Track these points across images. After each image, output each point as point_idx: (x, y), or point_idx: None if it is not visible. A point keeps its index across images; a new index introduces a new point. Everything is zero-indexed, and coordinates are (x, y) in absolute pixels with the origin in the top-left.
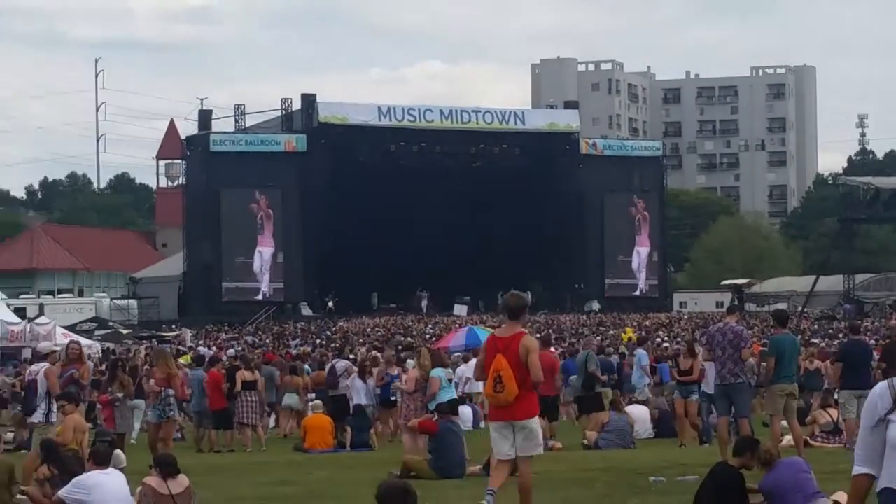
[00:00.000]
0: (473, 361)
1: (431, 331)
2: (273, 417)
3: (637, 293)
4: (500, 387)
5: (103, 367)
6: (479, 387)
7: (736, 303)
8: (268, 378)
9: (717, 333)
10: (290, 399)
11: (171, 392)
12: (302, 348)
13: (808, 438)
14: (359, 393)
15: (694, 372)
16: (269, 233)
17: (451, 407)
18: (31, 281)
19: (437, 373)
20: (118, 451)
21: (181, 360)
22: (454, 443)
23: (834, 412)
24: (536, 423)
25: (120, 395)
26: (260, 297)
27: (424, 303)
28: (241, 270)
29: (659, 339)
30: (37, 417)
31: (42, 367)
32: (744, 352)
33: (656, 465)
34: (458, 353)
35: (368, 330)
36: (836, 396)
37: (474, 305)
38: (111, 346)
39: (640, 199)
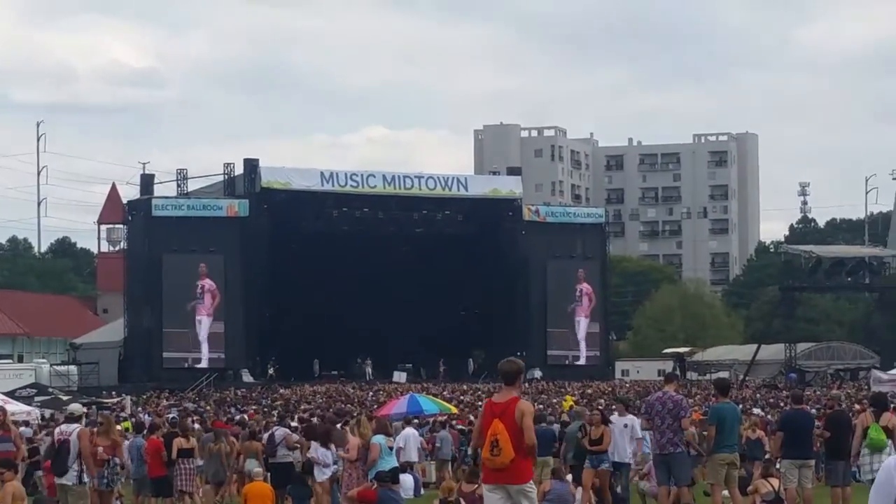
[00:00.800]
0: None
1: (373, 398)
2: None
3: (579, 362)
4: (497, 450)
5: (42, 434)
6: (414, 455)
7: (676, 371)
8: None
9: (656, 402)
10: (251, 464)
11: (117, 461)
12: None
13: None
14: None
15: (604, 441)
16: (209, 300)
17: (392, 475)
18: None
19: (378, 439)
20: None
21: (121, 427)
22: None
23: (775, 482)
24: (533, 487)
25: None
26: (201, 364)
27: (369, 370)
28: (182, 337)
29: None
30: (69, 479)
31: (74, 428)
32: (683, 421)
33: None
34: (399, 422)
35: (309, 397)
36: (777, 466)
37: (416, 373)
38: (51, 412)
39: (581, 267)
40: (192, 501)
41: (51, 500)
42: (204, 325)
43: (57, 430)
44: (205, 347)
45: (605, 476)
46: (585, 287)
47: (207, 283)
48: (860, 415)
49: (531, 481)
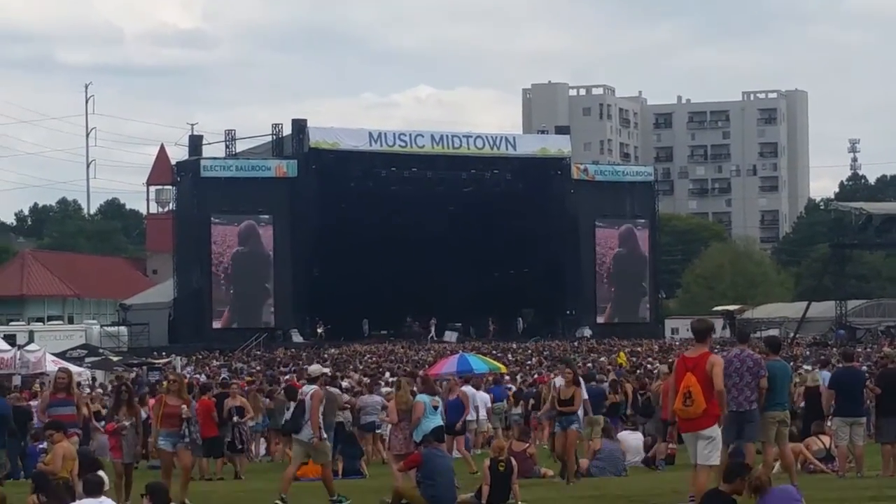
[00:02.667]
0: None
1: (423, 357)
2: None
3: (628, 320)
4: (690, 401)
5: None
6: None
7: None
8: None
9: (734, 359)
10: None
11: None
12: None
13: (801, 466)
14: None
15: (575, 402)
16: (259, 258)
17: (436, 435)
18: (20, 307)
19: (422, 398)
20: (101, 473)
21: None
22: (443, 469)
23: (827, 439)
24: (717, 433)
25: (127, 422)
26: (250, 323)
27: (433, 329)
28: (231, 296)
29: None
30: (304, 436)
31: (311, 388)
32: (762, 380)
33: (648, 493)
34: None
35: (359, 356)
36: (828, 423)
37: (465, 332)
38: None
39: (631, 225)
40: (241, 461)
41: (88, 452)
42: (255, 282)
43: (301, 391)
44: (253, 307)
45: (572, 437)
46: (635, 246)
47: (256, 242)
48: None
49: (716, 427)
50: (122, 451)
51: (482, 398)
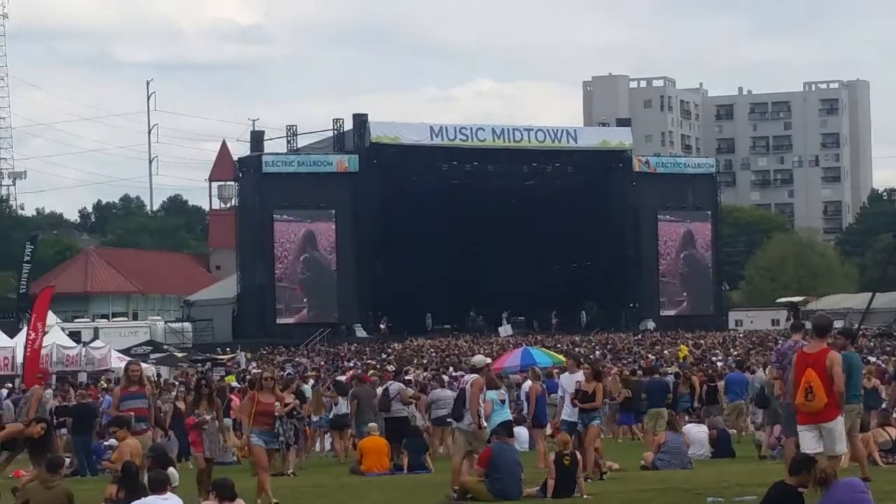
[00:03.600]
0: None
1: (486, 351)
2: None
3: (692, 312)
4: (811, 396)
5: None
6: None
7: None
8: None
9: (788, 351)
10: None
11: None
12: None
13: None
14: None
15: (597, 397)
16: (322, 254)
17: (506, 429)
18: (85, 304)
19: (490, 395)
20: (172, 470)
21: (228, 380)
22: (510, 463)
23: (893, 430)
24: (841, 424)
25: (208, 417)
26: (314, 318)
27: (509, 326)
28: (295, 292)
29: (714, 358)
30: (464, 425)
31: (473, 377)
32: None
33: (714, 486)
34: (514, 374)
35: (422, 350)
36: (894, 415)
37: (528, 325)
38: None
39: (693, 217)
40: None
41: (159, 447)
42: (318, 278)
43: (463, 379)
44: (317, 303)
45: (593, 433)
46: (698, 238)
47: (318, 238)
48: None
49: (839, 418)
50: (204, 446)
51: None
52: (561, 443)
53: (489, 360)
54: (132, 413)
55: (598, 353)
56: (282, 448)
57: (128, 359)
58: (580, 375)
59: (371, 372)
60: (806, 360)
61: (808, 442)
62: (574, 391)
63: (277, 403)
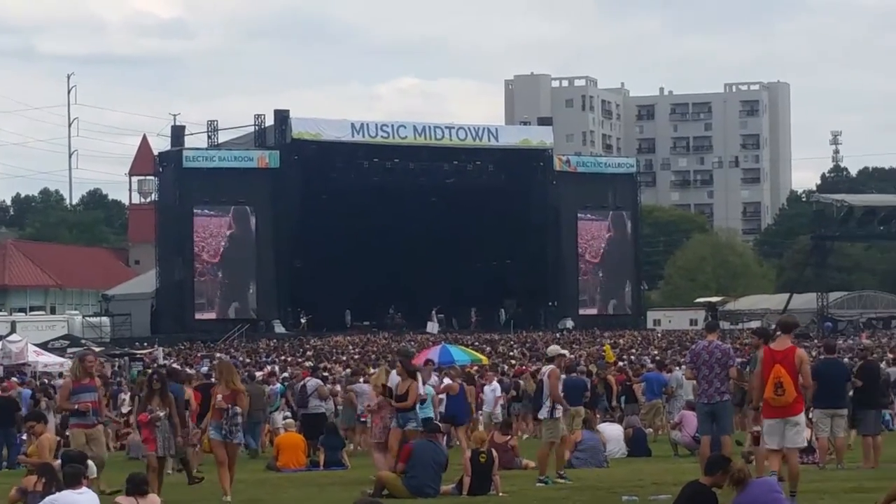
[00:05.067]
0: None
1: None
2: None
3: (610, 311)
4: (781, 390)
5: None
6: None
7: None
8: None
9: (702, 352)
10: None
11: (238, 410)
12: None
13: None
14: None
15: (410, 397)
16: (241, 250)
17: (430, 426)
18: (2, 298)
19: (429, 390)
20: (89, 462)
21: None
22: (427, 461)
23: (808, 430)
24: (803, 419)
25: (162, 413)
26: (232, 314)
27: (435, 322)
28: (213, 287)
29: (633, 358)
30: (542, 414)
31: (549, 368)
32: (731, 370)
33: (629, 484)
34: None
35: (342, 347)
36: (810, 415)
37: (448, 323)
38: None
39: (613, 217)
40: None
41: (76, 455)
42: (237, 274)
43: (541, 370)
44: (235, 298)
45: (397, 435)
46: (616, 238)
47: (238, 234)
48: None
49: (802, 413)
50: (157, 444)
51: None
52: (476, 440)
53: (564, 351)
54: (89, 405)
55: (516, 351)
56: (230, 439)
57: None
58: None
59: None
60: (774, 356)
61: (772, 437)
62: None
63: (219, 396)
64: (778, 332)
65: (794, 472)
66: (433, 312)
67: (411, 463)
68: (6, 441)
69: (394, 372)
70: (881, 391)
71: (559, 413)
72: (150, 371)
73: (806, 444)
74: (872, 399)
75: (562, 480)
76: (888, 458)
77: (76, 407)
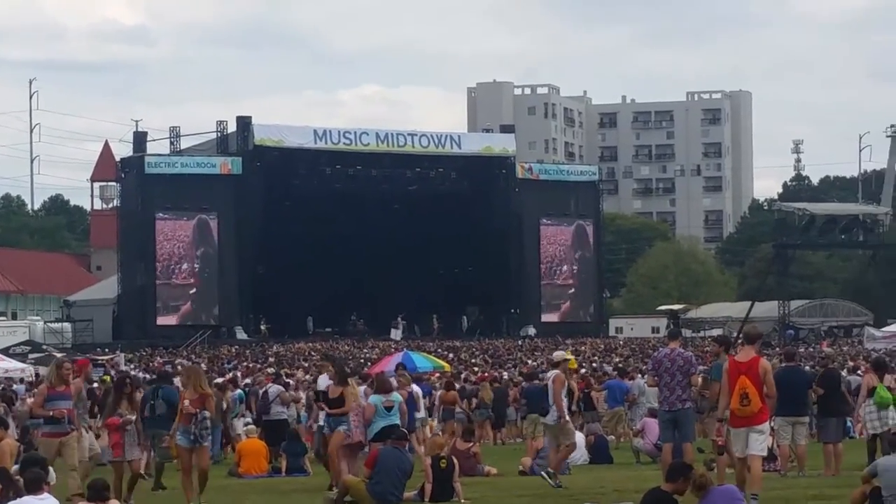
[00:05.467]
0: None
1: (367, 355)
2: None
3: (572, 319)
4: (747, 401)
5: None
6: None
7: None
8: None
9: (664, 359)
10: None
11: (206, 414)
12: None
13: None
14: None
15: (346, 401)
16: (204, 256)
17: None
18: None
19: (374, 399)
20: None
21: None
22: (391, 467)
23: (770, 438)
24: (767, 427)
25: (132, 417)
26: (194, 320)
27: (400, 329)
28: (175, 294)
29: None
30: (551, 419)
31: (552, 373)
32: (693, 377)
33: (591, 491)
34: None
35: (304, 354)
36: (770, 423)
37: (410, 330)
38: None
39: (575, 224)
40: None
41: (39, 459)
42: (197, 282)
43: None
44: (197, 305)
45: (338, 439)
46: (578, 246)
47: (199, 241)
48: (865, 376)
49: (767, 423)
50: (124, 449)
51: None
52: (435, 446)
53: (570, 357)
54: (64, 412)
55: (478, 357)
56: (200, 443)
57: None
58: (326, 379)
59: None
60: (739, 367)
61: (739, 444)
62: (318, 394)
63: (186, 402)
64: (742, 343)
65: (756, 476)
66: (398, 319)
67: (376, 469)
68: None
69: (324, 375)
70: (843, 399)
71: (567, 416)
72: (120, 374)
73: (767, 451)
74: (834, 407)
75: (549, 480)
76: (849, 466)
77: (51, 413)
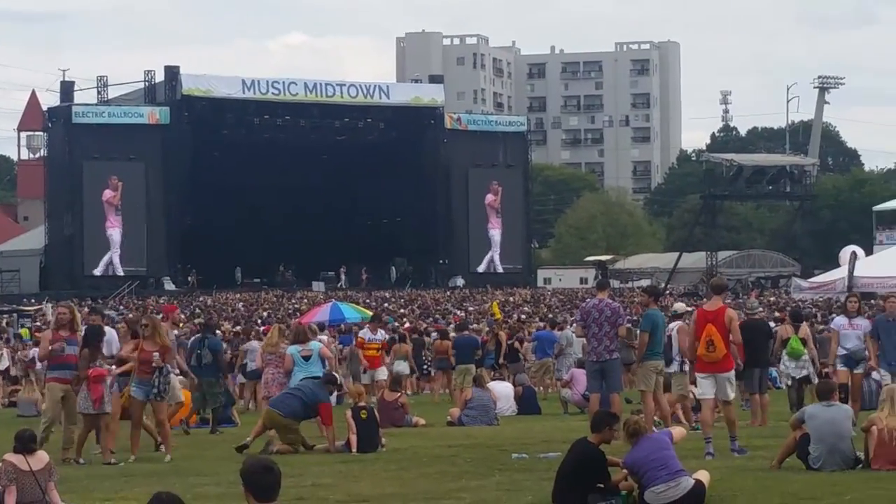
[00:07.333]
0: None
1: (295, 306)
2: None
3: (501, 269)
4: (713, 347)
5: None
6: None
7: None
8: None
9: (592, 310)
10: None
11: (170, 368)
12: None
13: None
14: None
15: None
16: (131, 206)
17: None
18: None
19: (292, 350)
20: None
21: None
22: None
23: (696, 390)
24: (733, 374)
25: (114, 368)
26: (122, 271)
27: (343, 277)
28: (103, 244)
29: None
30: (673, 368)
31: (677, 325)
32: (621, 328)
33: (519, 442)
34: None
35: (231, 304)
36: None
37: (337, 280)
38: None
39: (504, 175)
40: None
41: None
42: (124, 232)
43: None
44: (125, 255)
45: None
46: (506, 196)
47: (123, 192)
48: (780, 326)
49: (733, 370)
50: (103, 402)
51: None
52: (353, 395)
53: (690, 308)
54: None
55: (406, 309)
56: (163, 398)
57: None
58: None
59: (182, 326)
60: (706, 316)
61: (705, 388)
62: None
63: (156, 353)
64: (709, 293)
65: (730, 419)
66: (340, 270)
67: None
68: None
69: (112, 332)
70: (768, 349)
71: (687, 367)
72: (94, 325)
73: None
74: (757, 357)
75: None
76: (775, 416)
77: (52, 348)
